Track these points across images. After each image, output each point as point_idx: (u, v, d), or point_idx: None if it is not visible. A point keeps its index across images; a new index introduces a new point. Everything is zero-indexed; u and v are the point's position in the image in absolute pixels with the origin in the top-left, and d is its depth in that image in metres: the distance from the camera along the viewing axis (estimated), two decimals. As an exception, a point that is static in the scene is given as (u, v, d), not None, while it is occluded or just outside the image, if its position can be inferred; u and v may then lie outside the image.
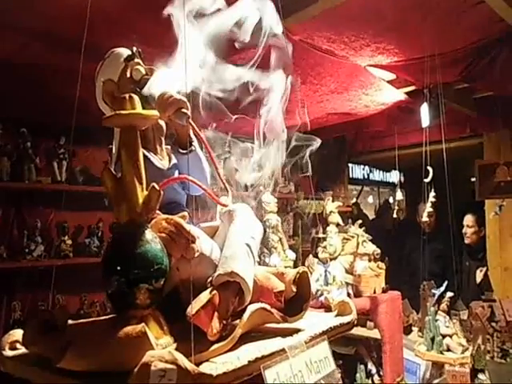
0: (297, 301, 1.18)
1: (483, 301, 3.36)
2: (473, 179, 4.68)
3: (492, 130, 4.62)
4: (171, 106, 1.14)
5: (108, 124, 0.95)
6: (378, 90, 3.73)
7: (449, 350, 2.70)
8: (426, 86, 3.48)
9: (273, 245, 2.54)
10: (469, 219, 4.29)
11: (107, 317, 1.09)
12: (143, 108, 0.97)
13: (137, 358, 0.79)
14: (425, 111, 3.45)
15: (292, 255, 2.65)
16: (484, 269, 4.16)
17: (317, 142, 1.61)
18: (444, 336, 2.74)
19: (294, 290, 1.17)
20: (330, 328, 1.24)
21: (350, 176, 7.02)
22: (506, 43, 2.94)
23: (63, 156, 3.62)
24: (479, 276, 4.13)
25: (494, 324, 3.09)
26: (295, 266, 2.55)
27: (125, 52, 1.19)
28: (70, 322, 0.93)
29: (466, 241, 4.30)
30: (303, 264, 2.78)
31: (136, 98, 0.94)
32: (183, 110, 1.14)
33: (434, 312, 2.79)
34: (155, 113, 0.97)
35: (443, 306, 2.92)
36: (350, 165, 6.88)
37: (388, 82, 3.66)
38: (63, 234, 3.56)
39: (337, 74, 3.33)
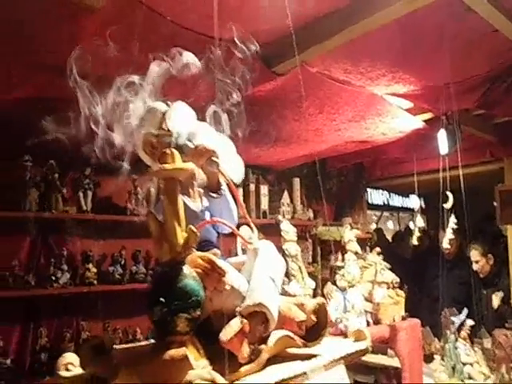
0: (316, 328, 1.30)
1: (507, 329, 3.32)
2: (495, 203, 4.64)
3: (512, 155, 4.58)
4: (204, 155, 1.31)
5: (153, 176, 1.20)
6: (395, 117, 3.75)
7: (470, 378, 2.70)
8: (444, 114, 3.53)
9: (292, 273, 2.58)
10: (474, 255, 4.17)
11: (147, 342, 1.23)
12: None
13: (180, 377, 0.94)
14: (442, 139, 3.49)
15: (311, 283, 2.68)
16: (499, 293, 4.09)
17: None
18: (465, 364, 2.74)
19: (314, 319, 1.29)
20: (347, 354, 1.35)
21: (369, 201, 6.93)
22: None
23: (88, 186, 3.74)
24: (495, 301, 4.08)
25: (517, 353, 3.06)
26: (315, 294, 2.60)
27: (162, 107, 1.33)
28: (115, 346, 1.04)
29: (480, 275, 4.23)
30: (322, 292, 2.82)
31: (176, 152, 1.10)
32: (214, 159, 1.32)
33: (454, 340, 2.79)
34: (192, 165, 1.14)
35: (463, 333, 2.91)
36: (368, 190, 6.80)
37: (406, 109, 3.68)
38: (88, 262, 3.64)
39: (354, 103, 3.37)
